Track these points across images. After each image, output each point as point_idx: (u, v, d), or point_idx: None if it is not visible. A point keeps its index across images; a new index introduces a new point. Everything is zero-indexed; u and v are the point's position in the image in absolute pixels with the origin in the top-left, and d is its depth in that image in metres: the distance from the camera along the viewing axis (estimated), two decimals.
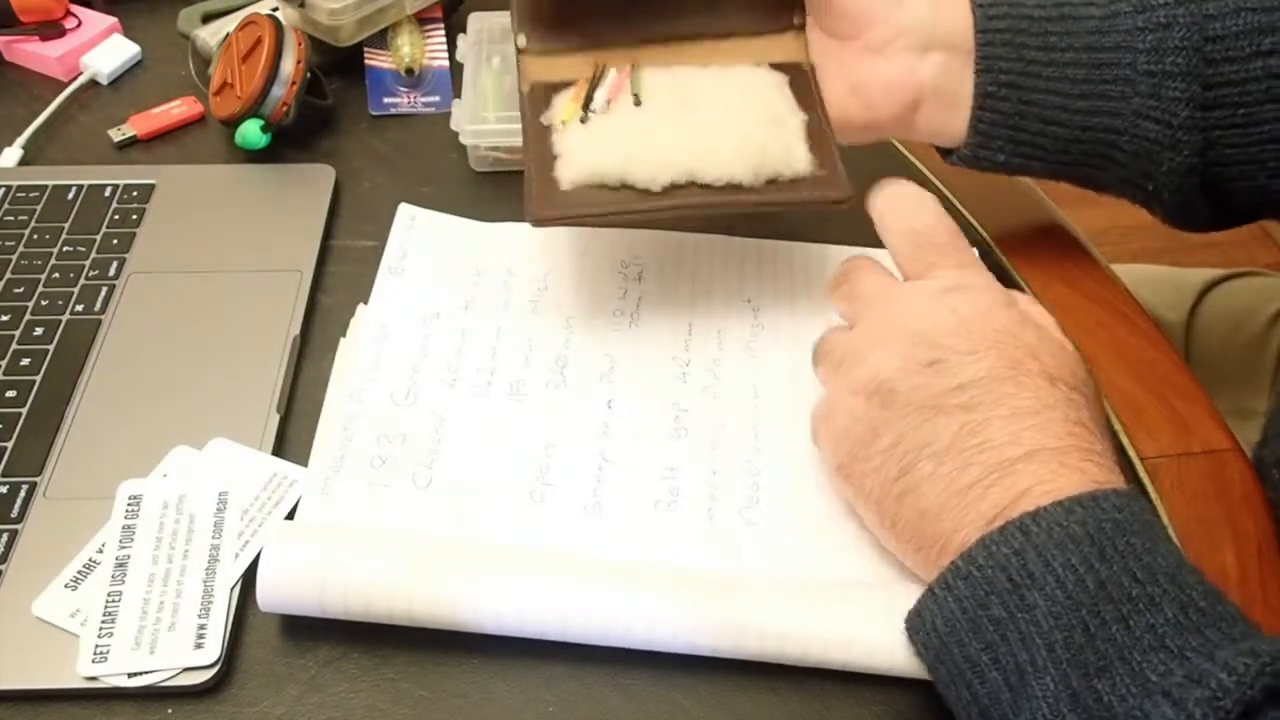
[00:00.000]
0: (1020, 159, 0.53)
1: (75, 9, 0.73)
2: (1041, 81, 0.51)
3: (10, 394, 0.52)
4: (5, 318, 0.56)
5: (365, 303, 0.56)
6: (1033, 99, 0.51)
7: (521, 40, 0.54)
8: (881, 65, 0.52)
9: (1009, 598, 0.37)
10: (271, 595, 0.43)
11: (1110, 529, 0.37)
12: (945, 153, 0.56)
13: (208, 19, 0.73)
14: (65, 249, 0.59)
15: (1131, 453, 0.52)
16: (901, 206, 0.48)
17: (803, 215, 0.60)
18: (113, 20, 0.73)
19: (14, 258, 0.59)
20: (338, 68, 0.71)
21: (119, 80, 0.72)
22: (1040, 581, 0.37)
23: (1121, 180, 0.54)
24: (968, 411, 0.41)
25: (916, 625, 0.41)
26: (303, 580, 0.43)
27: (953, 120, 0.53)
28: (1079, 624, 0.36)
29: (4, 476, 0.49)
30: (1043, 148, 0.53)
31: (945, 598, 0.39)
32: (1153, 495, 0.50)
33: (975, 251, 0.48)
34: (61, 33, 0.72)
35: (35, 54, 0.71)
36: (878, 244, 0.49)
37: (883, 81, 0.52)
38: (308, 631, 0.44)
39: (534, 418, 0.52)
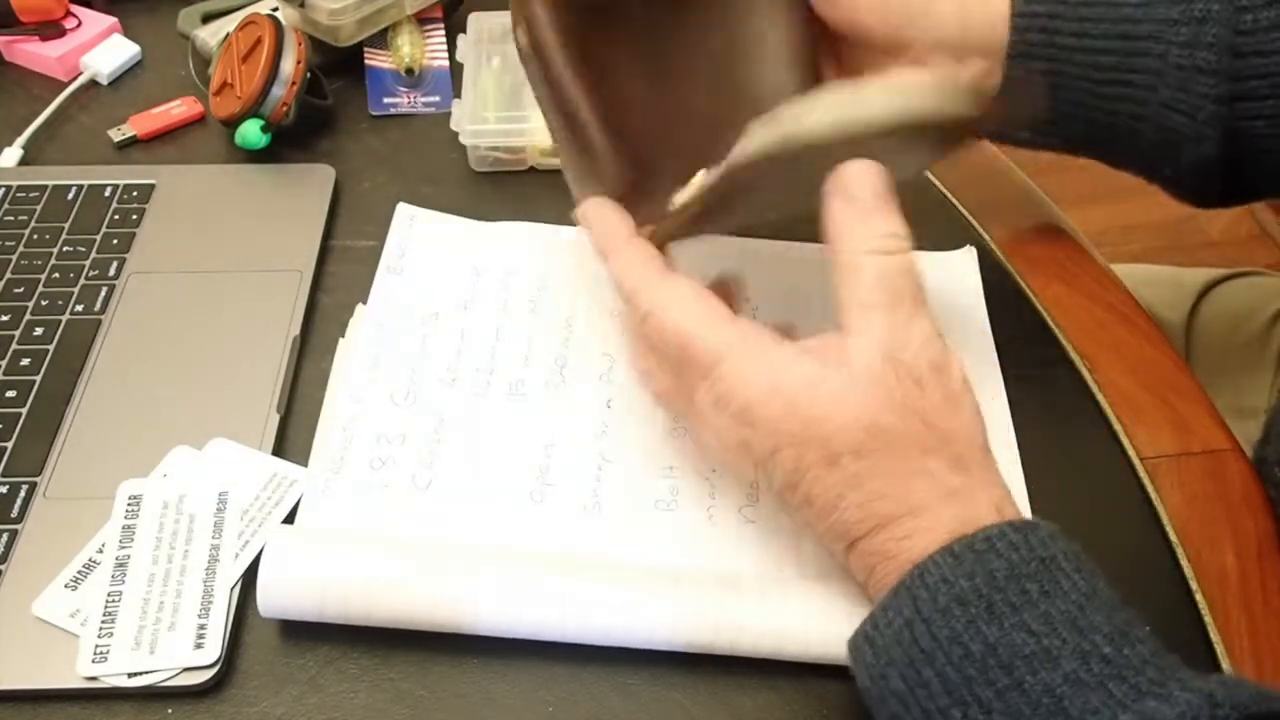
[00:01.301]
0: (1043, 136, 0.53)
1: (75, 9, 0.73)
2: (1072, 67, 0.50)
3: (10, 394, 0.52)
4: (5, 318, 0.56)
5: (365, 303, 0.56)
6: (1061, 83, 0.51)
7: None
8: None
9: (906, 671, 0.36)
10: (273, 602, 0.43)
11: (1002, 576, 0.36)
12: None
13: (208, 19, 0.73)
14: (65, 249, 0.59)
15: (1131, 453, 0.52)
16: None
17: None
18: (113, 20, 0.73)
19: (14, 258, 0.59)
20: (338, 68, 0.71)
21: (119, 80, 0.72)
22: (930, 656, 0.36)
23: (1141, 162, 0.54)
24: (804, 507, 0.41)
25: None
26: (303, 587, 0.43)
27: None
28: (972, 698, 0.35)
29: (4, 476, 0.49)
30: (1066, 127, 0.52)
31: (858, 660, 0.39)
32: (1153, 495, 0.50)
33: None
34: (61, 33, 0.72)
35: (35, 54, 0.71)
36: None
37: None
38: (308, 631, 0.44)
39: (534, 418, 0.52)
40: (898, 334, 0.40)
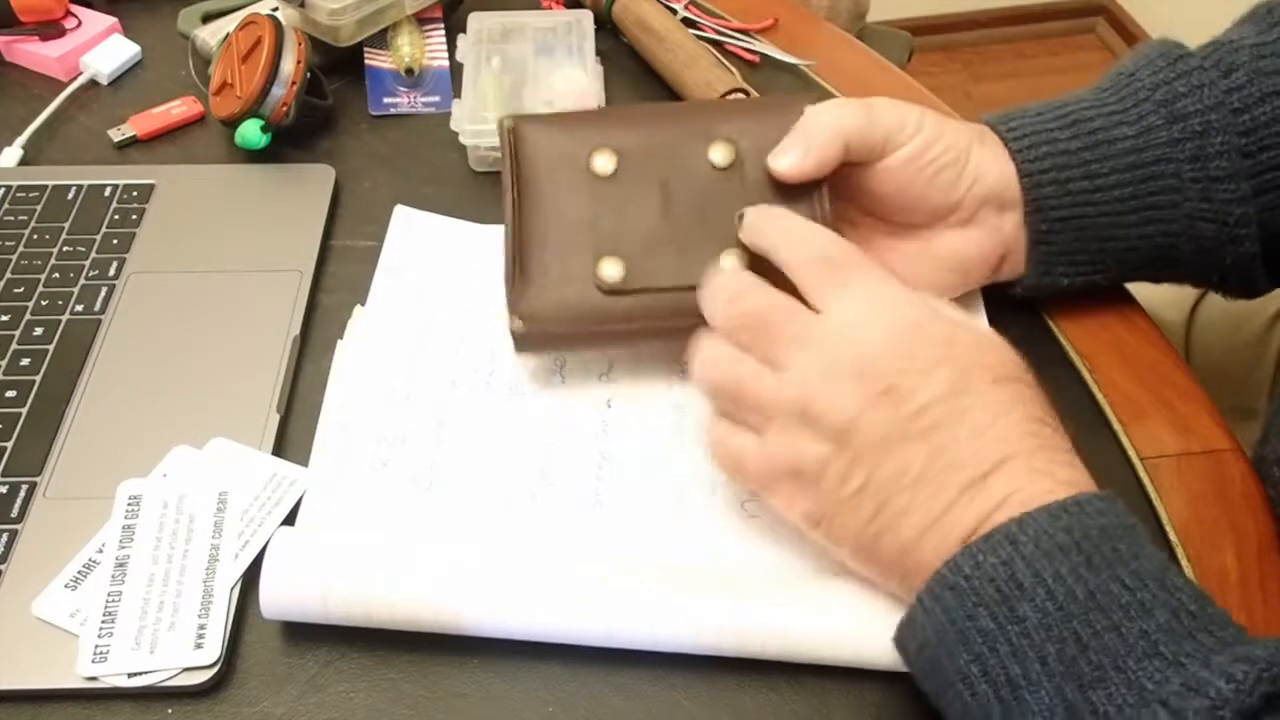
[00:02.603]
0: (1083, 276, 0.54)
1: (75, 9, 0.73)
2: (1091, 209, 0.52)
3: (10, 394, 0.52)
4: (5, 318, 0.56)
5: (363, 304, 0.56)
6: (1085, 225, 0.52)
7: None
8: (974, 234, 0.52)
9: (998, 609, 0.37)
10: (275, 604, 0.43)
11: (1096, 535, 0.37)
12: (1008, 285, 0.56)
13: (208, 19, 0.73)
14: (65, 249, 0.59)
15: (1131, 453, 0.52)
16: (796, 236, 0.46)
17: None
18: (113, 20, 0.73)
19: (14, 258, 0.59)
20: (338, 68, 0.71)
21: (119, 80, 0.72)
22: (1030, 593, 0.36)
23: (1187, 275, 0.56)
24: (933, 433, 0.40)
25: (904, 636, 0.40)
26: (306, 589, 0.43)
27: (1023, 260, 0.54)
28: (1071, 635, 0.36)
29: (4, 476, 0.49)
30: (1103, 263, 0.54)
31: (934, 608, 0.38)
32: (1153, 495, 0.50)
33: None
34: (61, 33, 0.72)
35: (35, 54, 0.71)
36: None
37: (978, 249, 0.53)
38: (308, 631, 0.44)
39: (533, 417, 0.52)
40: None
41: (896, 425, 0.40)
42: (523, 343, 0.51)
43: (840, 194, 0.51)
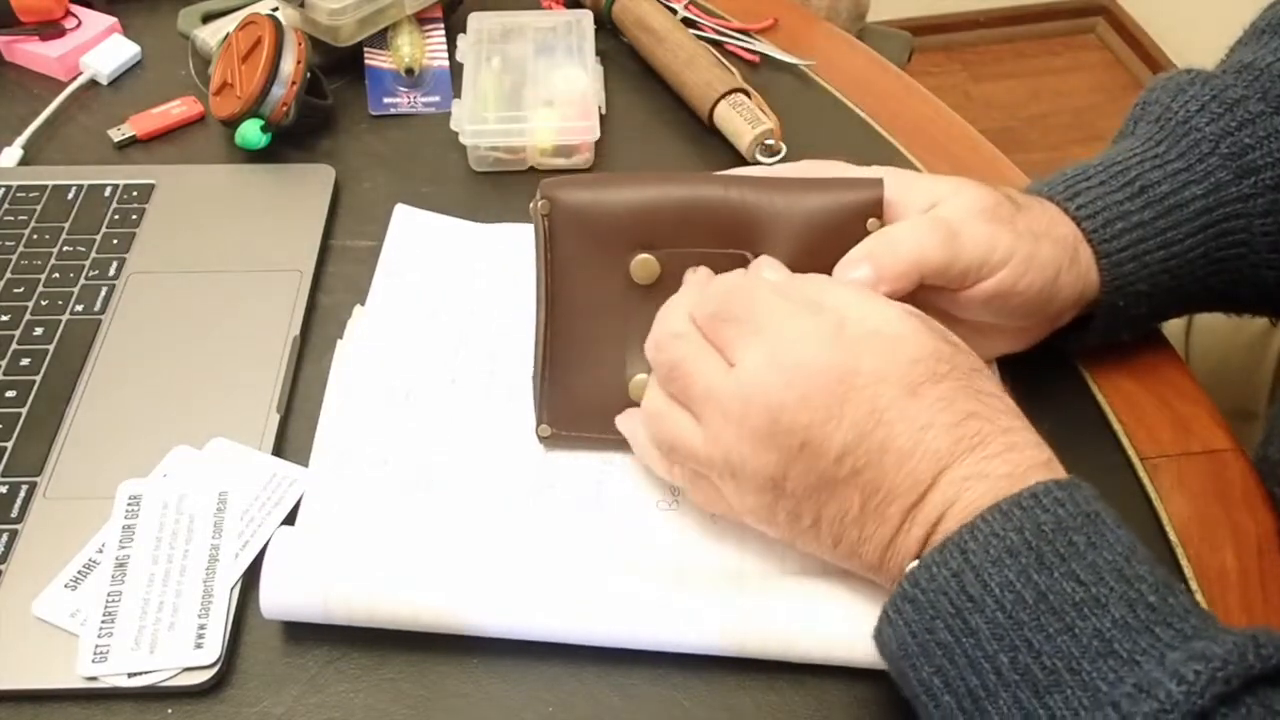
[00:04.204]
0: (1139, 330, 0.54)
1: (75, 9, 0.73)
2: (1167, 276, 0.51)
3: (10, 394, 0.52)
4: (5, 318, 0.56)
5: (364, 303, 0.56)
6: (1157, 291, 0.51)
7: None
8: (1034, 331, 0.51)
9: (952, 621, 0.37)
10: (276, 605, 0.43)
11: (1050, 529, 0.36)
12: (1064, 336, 0.53)
13: (208, 19, 0.73)
14: (65, 249, 0.59)
15: (1131, 453, 0.52)
16: (710, 290, 0.44)
17: None
18: (113, 20, 0.73)
19: (14, 258, 0.59)
20: (338, 68, 0.71)
21: (119, 80, 0.72)
22: (980, 604, 0.36)
23: (1243, 309, 0.56)
24: (859, 475, 0.40)
25: (878, 645, 0.40)
26: (306, 591, 0.43)
27: (1077, 284, 0.50)
28: (1023, 643, 0.35)
29: (4, 476, 0.49)
30: (1163, 314, 0.54)
31: (897, 620, 0.38)
32: (1153, 495, 0.50)
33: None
34: (61, 33, 0.72)
35: (35, 54, 0.71)
36: None
37: (1033, 338, 0.52)
38: (308, 631, 0.44)
39: (534, 417, 0.52)
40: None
41: (824, 475, 0.40)
42: (551, 446, 0.51)
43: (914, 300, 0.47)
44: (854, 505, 0.40)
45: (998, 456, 0.39)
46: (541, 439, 0.50)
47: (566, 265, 0.48)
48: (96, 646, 0.43)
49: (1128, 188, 0.50)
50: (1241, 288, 0.52)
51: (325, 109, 0.68)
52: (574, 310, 0.49)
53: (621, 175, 0.53)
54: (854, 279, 0.45)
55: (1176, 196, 0.50)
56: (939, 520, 0.39)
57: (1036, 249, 0.47)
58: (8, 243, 0.59)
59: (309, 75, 0.64)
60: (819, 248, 0.46)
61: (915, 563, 0.38)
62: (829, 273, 0.46)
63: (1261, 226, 0.50)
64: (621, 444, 0.49)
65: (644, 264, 0.48)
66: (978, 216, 0.47)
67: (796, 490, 0.41)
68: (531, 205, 0.48)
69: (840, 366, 0.40)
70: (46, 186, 0.63)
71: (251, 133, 0.63)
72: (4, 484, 0.49)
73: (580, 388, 0.49)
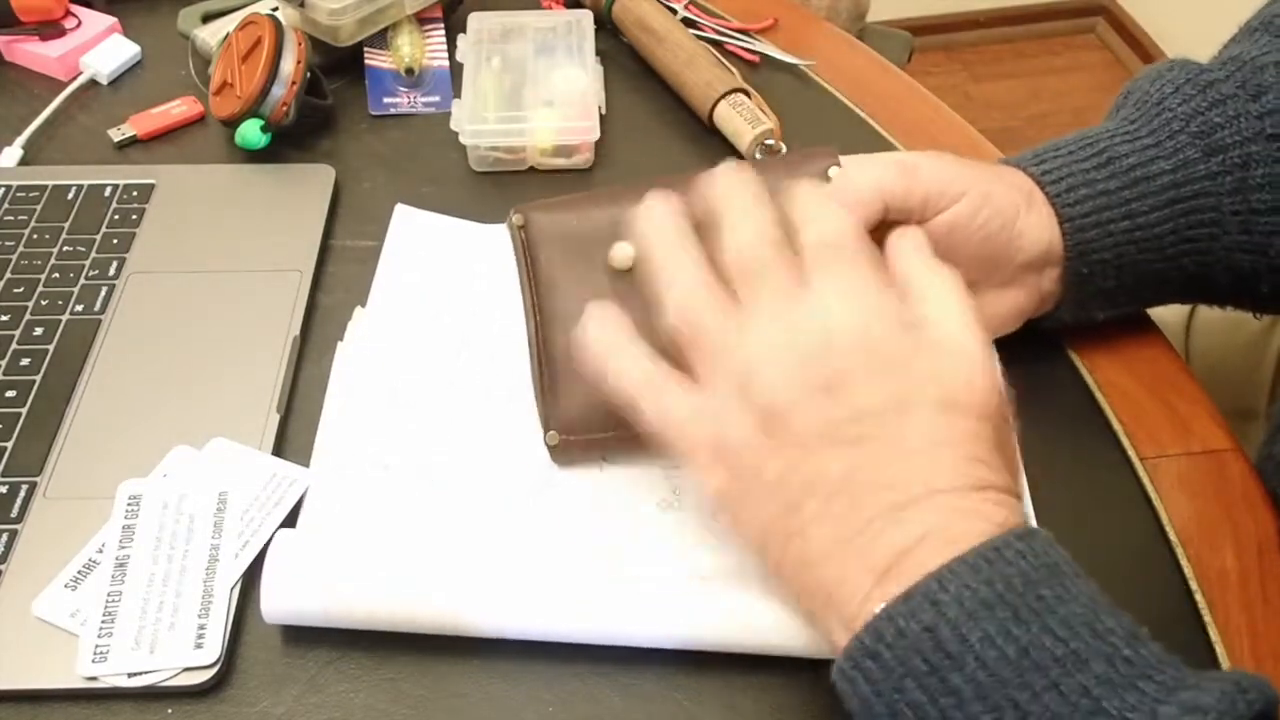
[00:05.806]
0: (1115, 308, 0.54)
1: (75, 9, 0.73)
2: (1133, 247, 0.50)
3: (10, 394, 0.52)
4: (5, 318, 0.56)
5: (363, 305, 0.56)
6: (1124, 264, 0.51)
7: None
8: (1011, 293, 0.51)
9: (928, 680, 0.34)
10: (277, 609, 0.43)
11: (1020, 583, 0.35)
12: (1039, 317, 0.54)
13: (208, 19, 0.73)
14: (65, 249, 0.59)
15: (1131, 453, 0.52)
16: (811, 212, 0.43)
17: None
18: (113, 20, 0.73)
19: (14, 258, 0.59)
20: (338, 68, 0.71)
21: (119, 80, 0.72)
22: (960, 661, 0.34)
23: (1219, 299, 0.55)
24: (861, 443, 0.38)
25: (840, 694, 0.37)
26: (307, 594, 0.43)
27: (1056, 301, 0.53)
28: (1008, 702, 0.33)
29: (4, 476, 0.49)
30: (1138, 294, 0.53)
31: (857, 678, 0.36)
32: (1153, 495, 0.50)
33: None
34: (61, 33, 0.72)
35: (35, 54, 0.71)
36: None
37: (1014, 306, 0.52)
38: (308, 632, 0.44)
39: (534, 418, 0.52)
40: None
41: (827, 425, 0.38)
42: (561, 455, 0.50)
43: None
44: (835, 473, 0.38)
45: (995, 503, 0.38)
46: (550, 447, 0.50)
47: (548, 270, 0.49)
48: (96, 646, 0.43)
49: (1095, 158, 0.51)
50: (1216, 270, 0.52)
51: (325, 109, 0.68)
52: (563, 314, 0.49)
53: (593, 191, 0.54)
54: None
55: (1143, 170, 0.50)
56: (920, 539, 0.37)
57: (992, 188, 0.48)
58: (8, 243, 0.59)
59: (309, 75, 0.64)
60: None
61: (878, 610, 0.36)
62: None
63: (1230, 206, 0.50)
64: (633, 441, 0.47)
65: (621, 249, 0.48)
66: (937, 156, 0.49)
67: (788, 432, 0.39)
68: (507, 223, 0.48)
69: (901, 349, 0.39)
70: (46, 186, 0.63)
71: (251, 133, 0.63)
72: (4, 484, 0.49)
73: (581, 390, 0.49)
